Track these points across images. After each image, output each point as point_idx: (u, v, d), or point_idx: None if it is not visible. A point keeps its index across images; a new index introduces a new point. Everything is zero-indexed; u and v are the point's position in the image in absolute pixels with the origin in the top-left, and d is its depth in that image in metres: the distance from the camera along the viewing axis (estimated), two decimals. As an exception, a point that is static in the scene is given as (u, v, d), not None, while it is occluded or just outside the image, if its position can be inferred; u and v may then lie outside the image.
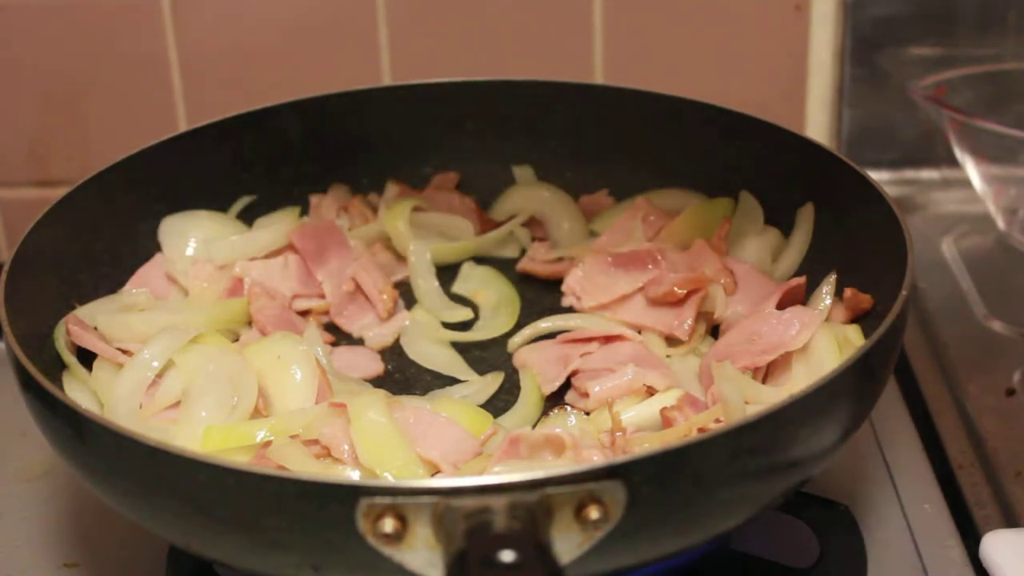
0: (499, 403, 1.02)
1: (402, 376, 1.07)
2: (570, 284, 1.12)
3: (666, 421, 0.93)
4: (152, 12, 1.38)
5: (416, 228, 1.17)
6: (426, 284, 1.15)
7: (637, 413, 0.96)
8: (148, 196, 1.13)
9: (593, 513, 0.72)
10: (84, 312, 1.02)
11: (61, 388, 0.96)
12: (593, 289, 1.10)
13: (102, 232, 1.09)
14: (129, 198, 1.11)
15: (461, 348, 1.09)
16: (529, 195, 1.22)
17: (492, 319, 1.12)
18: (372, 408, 0.89)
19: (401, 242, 1.15)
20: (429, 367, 1.07)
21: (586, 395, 0.99)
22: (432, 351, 1.08)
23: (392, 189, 1.22)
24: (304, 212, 1.19)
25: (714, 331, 1.06)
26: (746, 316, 1.02)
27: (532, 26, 1.39)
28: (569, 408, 0.99)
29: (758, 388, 0.93)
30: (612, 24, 1.38)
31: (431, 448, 0.89)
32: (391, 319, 1.11)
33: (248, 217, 1.17)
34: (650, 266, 1.08)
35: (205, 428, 0.92)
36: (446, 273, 1.17)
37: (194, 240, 1.12)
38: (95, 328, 1.02)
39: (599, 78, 1.40)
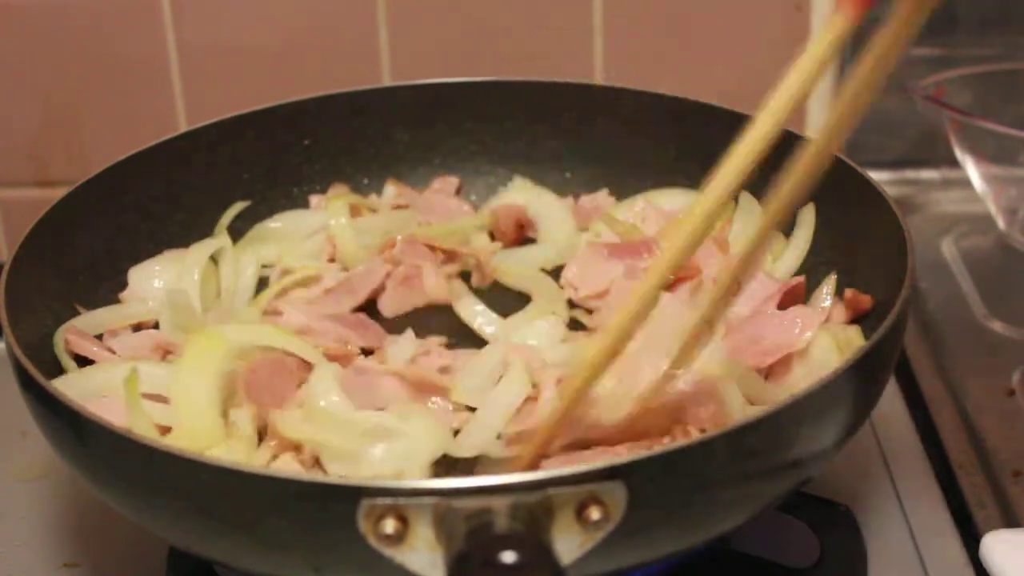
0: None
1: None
2: (567, 277, 1.12)
3: None
4: (152, 12, 1.38)
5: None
6: None
7: None
8: (148, 196, 1.13)
9: (594, 514, 0.72)
10: (86, 320, 1.03)
11: (61, 388, 0.96)
12: (588, 279, 1.10)
13: (102, 232, 1.09)
14: (129, 198, 1.11)
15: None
16: (520, 196, 1.22)
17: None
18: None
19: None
20: None
21: None
22: None
23: (391, 189, 1.22)
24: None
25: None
26: (748, 317, 1.02)
27: (532, 26, 1.39)
28: None
29: (765, 387, 0.93)
30: (612, 24, 1.38)
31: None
32: None
33: (247, 219, 1.18)
34: (645, 255, 1.08)
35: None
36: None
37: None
38: (99, 336, 1.03)
39: (599, 78, 1.40)
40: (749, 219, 1.11)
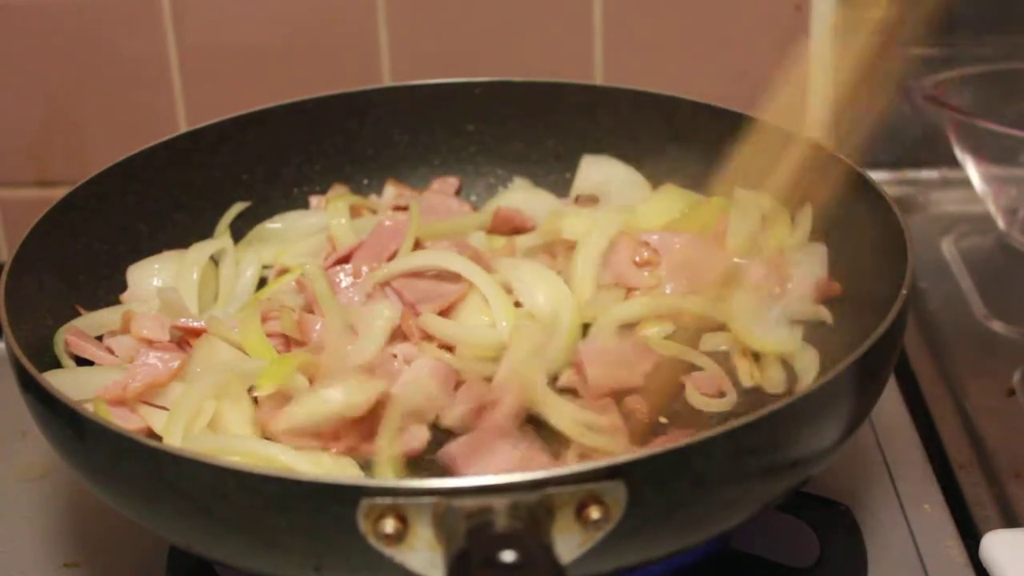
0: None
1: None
2: None
3: None
4: (152, 12, 1.38)
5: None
6: None
7: None
8: (148, 196, 1.13)
9: (594, 513, 0.72)
10: (86, 321, 1.03)
11: (61, 388, 0.96)
12: None
13: (102, 232, 1.09)
14: (129, 198, 1.11)
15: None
16: (520, 196, 1.22)
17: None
18: None
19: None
20: None
21: None
22: None
23: (392, 190, 1.22)
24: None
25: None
26: None
27: (532, 26, 1.39)
28: None
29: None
30: (612, 24, 1.38)
31: None
32: None
33: (247, 219, 1.18)
34: None
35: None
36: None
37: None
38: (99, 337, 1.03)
39: (599, 78, 1.40)
40: (745, 214, 1.11)
